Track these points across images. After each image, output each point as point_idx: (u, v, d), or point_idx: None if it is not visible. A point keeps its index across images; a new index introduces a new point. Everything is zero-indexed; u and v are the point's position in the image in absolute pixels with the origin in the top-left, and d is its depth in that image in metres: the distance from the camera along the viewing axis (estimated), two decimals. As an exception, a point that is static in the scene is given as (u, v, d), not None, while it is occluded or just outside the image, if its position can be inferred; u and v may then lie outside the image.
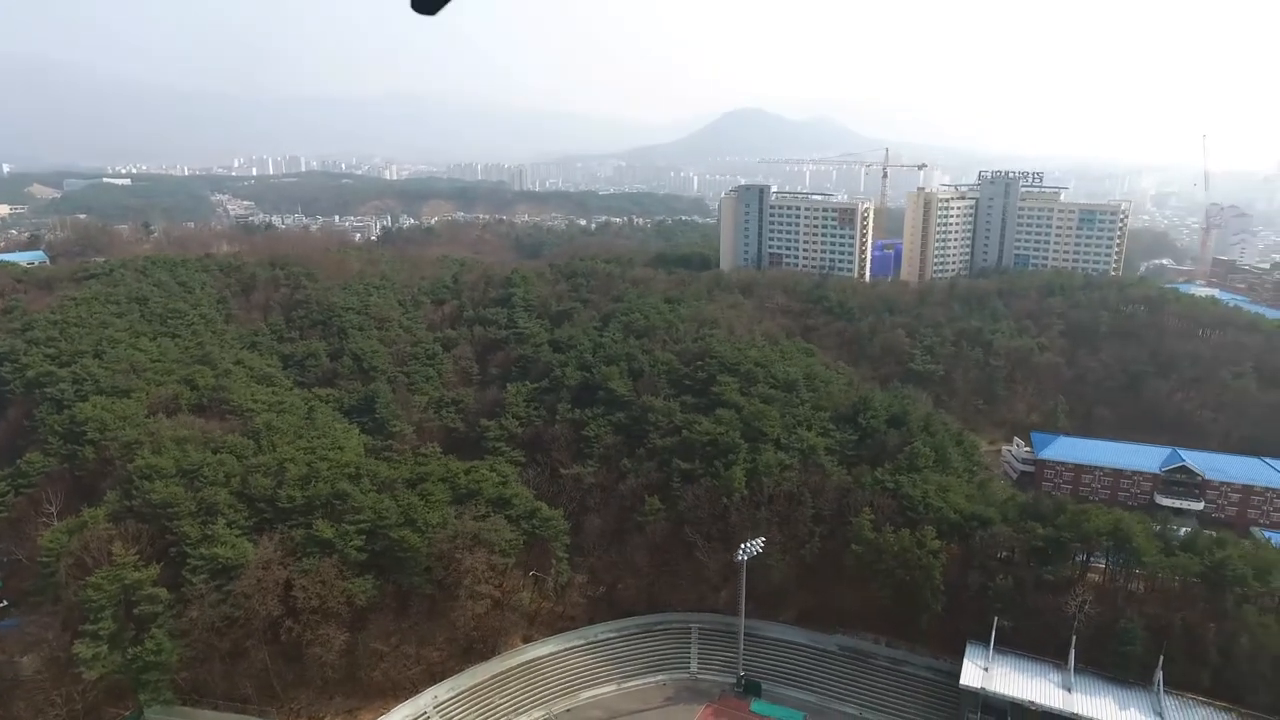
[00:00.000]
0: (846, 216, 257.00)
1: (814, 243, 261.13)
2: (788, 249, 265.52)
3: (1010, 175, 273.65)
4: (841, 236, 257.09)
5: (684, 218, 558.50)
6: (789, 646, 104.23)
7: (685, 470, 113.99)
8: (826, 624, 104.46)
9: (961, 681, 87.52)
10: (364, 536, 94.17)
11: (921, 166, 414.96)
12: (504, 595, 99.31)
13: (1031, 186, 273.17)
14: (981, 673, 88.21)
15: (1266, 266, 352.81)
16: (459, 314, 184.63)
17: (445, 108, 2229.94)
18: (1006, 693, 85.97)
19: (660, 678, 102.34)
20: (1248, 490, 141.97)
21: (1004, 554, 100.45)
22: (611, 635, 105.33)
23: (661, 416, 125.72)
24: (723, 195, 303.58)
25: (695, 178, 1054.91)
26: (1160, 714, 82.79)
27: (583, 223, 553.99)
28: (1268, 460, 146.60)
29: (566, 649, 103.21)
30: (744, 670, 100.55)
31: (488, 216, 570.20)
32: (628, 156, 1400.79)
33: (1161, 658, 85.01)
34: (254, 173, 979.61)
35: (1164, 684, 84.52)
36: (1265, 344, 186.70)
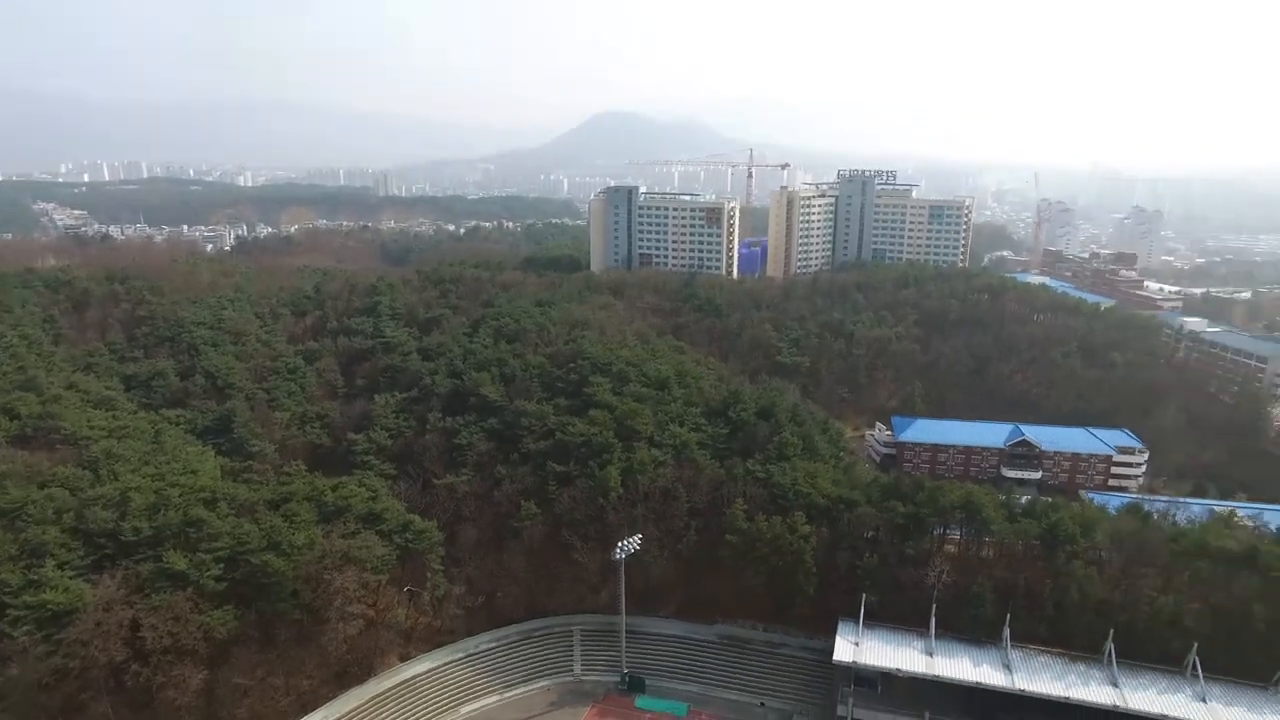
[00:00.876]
0: (713, 216, 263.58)
1: (683, 242, 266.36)
2: (657, 249, 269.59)
3: (866, 174, 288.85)
4: (709, 235, 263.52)
5: (554, 221, 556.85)
6: (670, 640, 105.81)
7: (560, 473, 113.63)
8: (706, 615, 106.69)
9: (835, 657, 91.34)
10: (222, 565, 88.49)
11: (784, 166, 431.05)
12: (378, 614, 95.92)
13: (886, 185, 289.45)
14: (853, 647, 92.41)
15: (1086, 256, 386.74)
16: (322, 325, 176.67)
17: (303, 114, 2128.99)
18: (876, 664, 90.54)
19: (544, 683, 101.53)
20: (1076, 458, 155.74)
21: (870, 533, 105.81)
22: (492, 645, 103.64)
23: (535, 420, 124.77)
24: (592, 197, 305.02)
25: (565, 181, 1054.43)
26: (1008, 666, 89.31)
27: (451, 228, 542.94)
28: (1092, 430, 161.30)
29: (446, 663, 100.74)
30: (627, 668, 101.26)
31: (352, 224, 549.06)
32: (497, 161, 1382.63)
33: (1008, 615, 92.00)
34: (86, 179, 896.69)
35: (1010, 639, 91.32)
36: (1087, 326, 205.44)
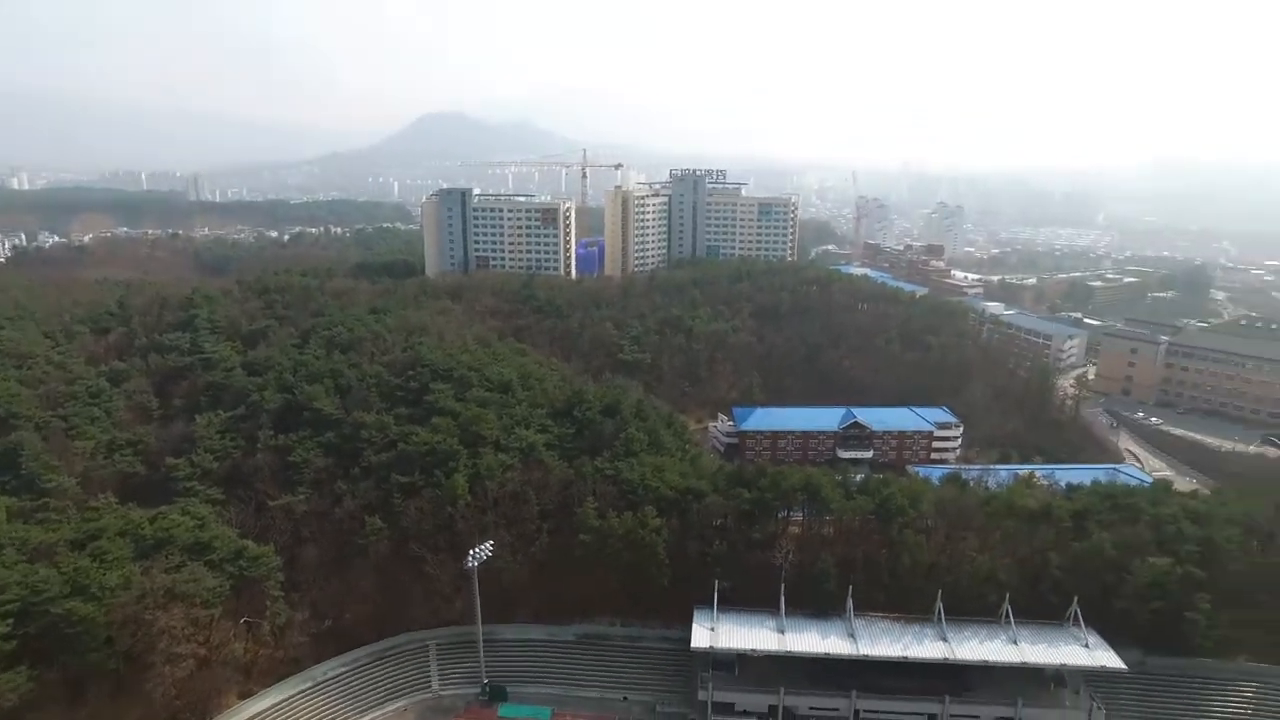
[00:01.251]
0: (549, 216, 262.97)
1: (519, 244, 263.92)
2: (494, 251, 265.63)
3: (698, 173, 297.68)
4: (546, 236, 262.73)
5: (386, 225, 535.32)
6: (529, 645, 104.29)
7: (405, 484, 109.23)
8: (564, 616, 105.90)
9: (693, 644, 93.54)
10: (11, 620, 78.14)
11: (619, 166, 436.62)
12: (211, 651, 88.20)
13: (717, 183, 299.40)
14: (709, 633, 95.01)
15: (901, 248, 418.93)
16: (129, 343, 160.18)
17: (92, 111, 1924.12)
18: (732, 646, 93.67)
19: (401, 704, 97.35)
20: (903, 436, 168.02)
21: (718, 521, 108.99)
22: (342, 670, 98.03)
23: (375, 431, 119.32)
24: (424, 200, 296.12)
25: (396, 183, 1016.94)
26: (853, 634, 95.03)
27: (274, 235, 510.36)
28: (914, 409, 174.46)
29: (292, 695, 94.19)
30: (487, 678, 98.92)
31: (159, 232, 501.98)
32: (320, 163, 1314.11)
33: (850, 588, 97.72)
34: None
35: (853, 609, 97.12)
36: (905, 313, 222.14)
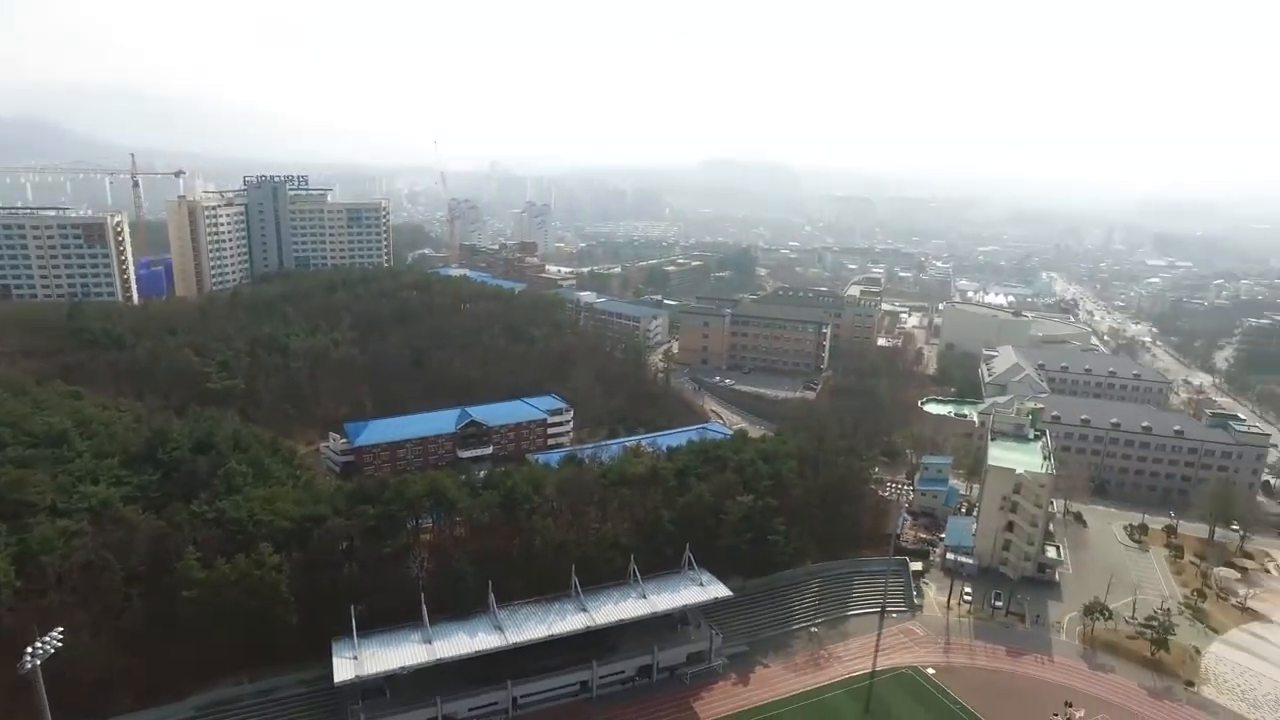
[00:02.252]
0: (94, 233, 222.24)
1: (55, 267, 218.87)
2: (16, 277, 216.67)
3: (276, 179, 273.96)
4: (92, 256, 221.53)
5: None
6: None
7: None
8: (178, 690, 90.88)
9: (336, 679, 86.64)
10: None
11: (180, 173, 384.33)
12: None
13: (299, 189, 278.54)
14: (352, 663, 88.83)
15: (496, 247, 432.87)
16: None
17: None
18: (379, 670, 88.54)
19: None
20: (519, 427, 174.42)
21: (345, 544, 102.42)
22: None
23: None
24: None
25: None
26: (500, 626, 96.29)
27: None
28: (526, 400, 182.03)
29: None
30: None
31: None
32: None
33: (490, 582, 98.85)
34: None
35: (496, 602, 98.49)
36: (506, 309, 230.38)
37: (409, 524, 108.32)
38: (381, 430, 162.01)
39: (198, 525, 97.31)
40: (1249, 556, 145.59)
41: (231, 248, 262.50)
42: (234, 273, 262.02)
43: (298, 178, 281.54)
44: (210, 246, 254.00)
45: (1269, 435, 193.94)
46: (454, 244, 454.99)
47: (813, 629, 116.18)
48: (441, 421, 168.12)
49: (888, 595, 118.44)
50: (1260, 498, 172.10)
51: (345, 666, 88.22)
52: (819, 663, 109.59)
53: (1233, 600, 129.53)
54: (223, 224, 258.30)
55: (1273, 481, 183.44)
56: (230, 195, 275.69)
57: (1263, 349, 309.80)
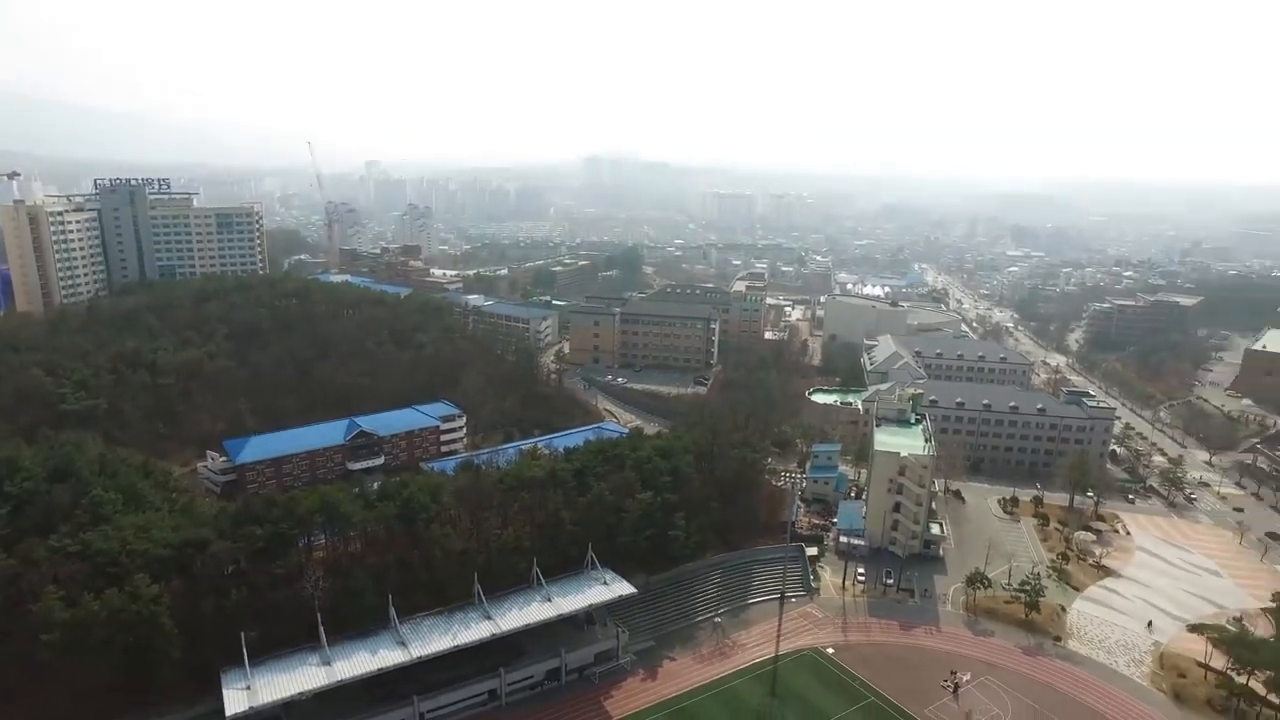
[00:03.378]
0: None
1: None
2: None
3: (133, 182, 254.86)
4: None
5: None
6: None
7: None
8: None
9: (228, 712, 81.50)
10: None
11: (14, 175, 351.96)
12: None
13: (160, 194, 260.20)
14: (244, 693, 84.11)
15: (378, 251, 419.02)
16: None
17: None
18: (275, 698, 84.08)
19: None
20: (411, 435, 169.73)
21: (231, 568, 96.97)
22: None
23: None
24: None
25: None
26: (403, 642, 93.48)
27: None
28: (417, 407, 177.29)
29: None
30: None
31: None
32: None
33: (390, 596, 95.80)
34: None
35: (398, 616, 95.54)
36: (392, 314, 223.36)
37: (300, 542, 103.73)
38: (265, 446, 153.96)
39: (59, 561, 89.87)
40: (1102, 519, 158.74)
41: (84, 257, 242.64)
42: (88, 284, 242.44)
43: (158, 181, 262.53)
44: (59, 256, 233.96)
45: (1114, 409, 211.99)
46: (333, 249, 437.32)
47: (716, 619, 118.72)
48: (329, 433, 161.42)
49: (786, 581, 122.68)
50: (1109, 466, 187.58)
51: (237, 698, 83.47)
52: (724, 652, 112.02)
53: (1090, 560, 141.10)
54: (72, 231, 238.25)
55: (1119, 451, 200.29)
56: (80, 200, 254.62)
57: (1105, 331, 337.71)
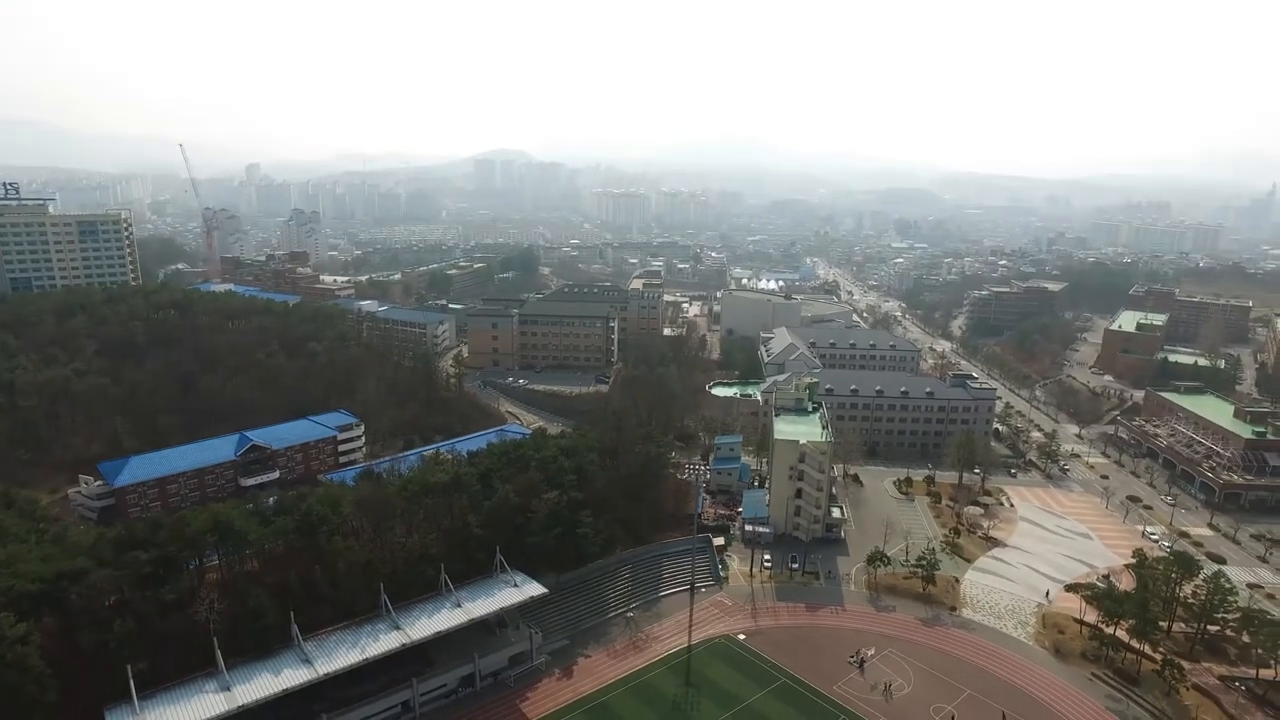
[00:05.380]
0: None
1: None
2: None
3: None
4: None
5: None
6: None
7: None
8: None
9: (110, 756, 76.52)
10: None
11: None
12: None
13: (8, 199, 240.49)
14: (132, 731, 78.95)
15: (263, 259, 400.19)
16: None
17: None
18: (165, 734, 79.31)
19: None
20: (306, 448, 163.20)
21: (114, 598, 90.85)
22: None
23: None
24: None
25: None
26: (308, 659, 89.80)
27: None
28: (312, 418, 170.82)
29: None
30: None
31: None
32: None
33: (292, 613, 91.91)
34: None
35: (300, 634, 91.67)
36: (281, 323, 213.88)
37: (191, 565, 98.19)
38: (146, 466, 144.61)
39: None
40: (988, 494, 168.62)
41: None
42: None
43: (4, 185, 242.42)
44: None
45: (995, 390, 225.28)
46: (213, 257, 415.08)
47: (629, 614, 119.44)
48: (219, 449, 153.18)
49: (695, 572, 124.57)
50: (993, 444, 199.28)
51: (122, 737, 78.24)
52: (638, 645, 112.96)
53: (979, 533, 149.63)
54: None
55: (1001, 429, 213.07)
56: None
57: (985, 316, 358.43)
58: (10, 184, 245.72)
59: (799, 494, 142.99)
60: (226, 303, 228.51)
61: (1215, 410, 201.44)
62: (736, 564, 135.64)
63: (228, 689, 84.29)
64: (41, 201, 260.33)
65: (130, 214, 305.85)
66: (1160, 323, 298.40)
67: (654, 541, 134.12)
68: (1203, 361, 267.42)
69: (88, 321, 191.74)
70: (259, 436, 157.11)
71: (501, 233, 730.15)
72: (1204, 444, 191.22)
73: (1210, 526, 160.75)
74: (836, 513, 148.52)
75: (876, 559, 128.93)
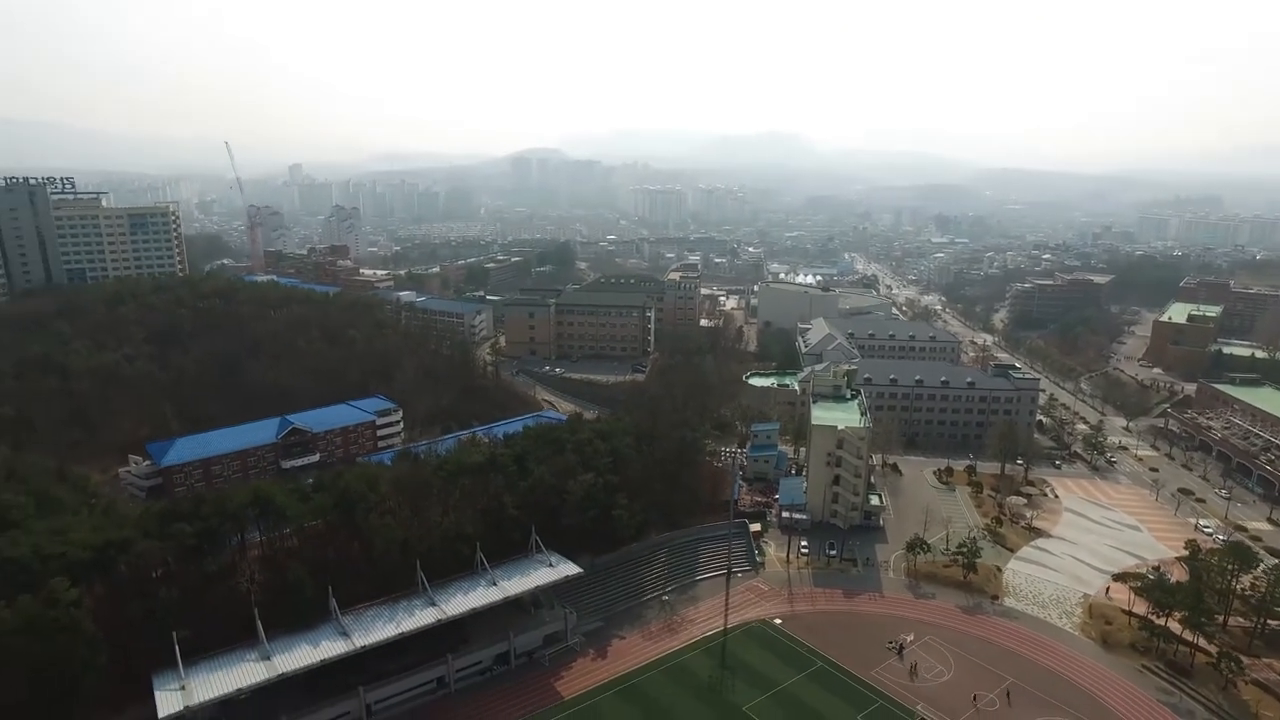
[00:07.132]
0: None
1: None
2: None
3: (33, 181, 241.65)
4: None
5: None
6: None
7: None
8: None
9: (160, 714, 77.35)
10: None
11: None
12: None
13: (64, 193, 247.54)
14: (178, 694, 79.93)
15: (305, 253, 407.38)
16: None
17: None
18: (211, 697, 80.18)
19: None
20: (346, 431, 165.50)
21: (160, 569, 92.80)
22: None
23: None
24: None
25: None
26: (346, 632, 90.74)
27: None
28: (352, 403, 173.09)
29: None
30: None
31: None
32: None
33: (330, 588, 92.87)
34: None
35: (339, 608, 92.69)
36: (322, 313, 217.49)
37: (233, 540, 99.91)
38: (191, 447, 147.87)
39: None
40: (1031, 484, 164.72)
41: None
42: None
43: (61, 180, 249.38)
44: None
45: (1039, 380, 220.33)
46: (257, 252, 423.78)
47: (664, 597, 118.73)
48: (261, 432, 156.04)
49: (731, 557, 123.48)
50: (1036, 435, 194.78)
51: (170, 699, 79.54)
52: (673, 628, 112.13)
53: (1022, 523, 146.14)
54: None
55: (1044, 420, 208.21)
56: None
57: (1027, 309, 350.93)
58: (66, 178, 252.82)
59: (837, 480, 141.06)
60: (269, 292, 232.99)
61: (1274, 403, 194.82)
62: (773, 550, 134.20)
63: (268, 658, 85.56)
64: (94, 195, 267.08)
65: (178, 208, 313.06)
66: (1214, 315, 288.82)
67: (690, 526, 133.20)
68: (1260, 354, 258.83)
69: (137, 309, 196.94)
70: (299, 420, 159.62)
71: (538, 229, 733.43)
72: (1262, 436, 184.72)
73: (1270, 521, 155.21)
74: (875, 500, 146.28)
75: (916, 546, 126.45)
